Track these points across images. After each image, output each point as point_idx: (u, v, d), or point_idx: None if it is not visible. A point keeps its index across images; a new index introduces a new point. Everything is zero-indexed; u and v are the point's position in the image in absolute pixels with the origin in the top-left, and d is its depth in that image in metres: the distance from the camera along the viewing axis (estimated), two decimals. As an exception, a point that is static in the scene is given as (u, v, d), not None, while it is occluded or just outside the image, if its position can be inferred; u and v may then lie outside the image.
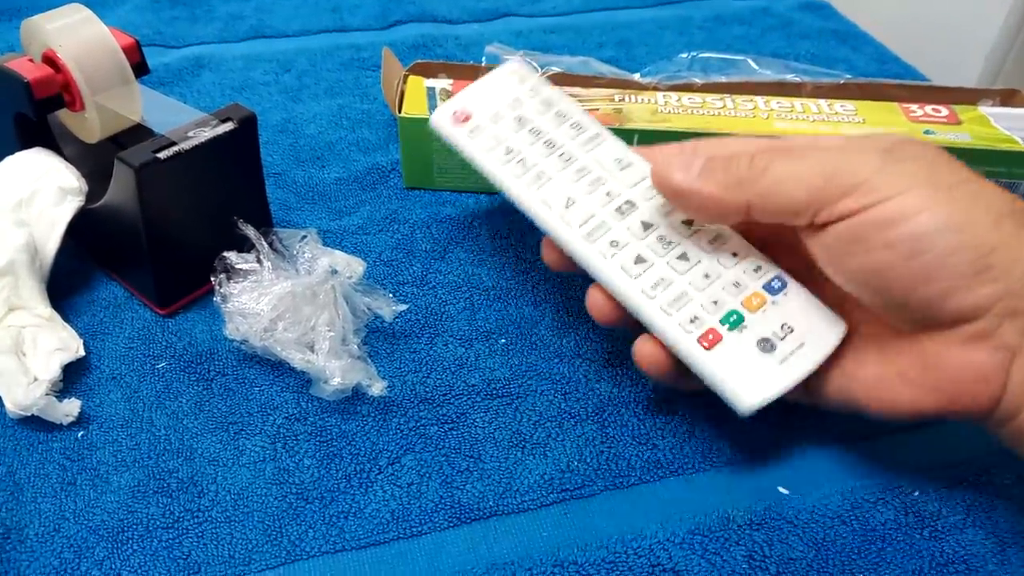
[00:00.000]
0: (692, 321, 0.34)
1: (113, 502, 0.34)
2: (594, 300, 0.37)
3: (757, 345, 0.34)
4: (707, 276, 0.36)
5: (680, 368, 0.35)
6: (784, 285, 0.35)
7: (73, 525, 0.33)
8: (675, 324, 0.35)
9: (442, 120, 0.41)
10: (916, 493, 0.35)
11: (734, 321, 0.34)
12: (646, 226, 0.37)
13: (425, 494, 0.35)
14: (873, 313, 0.33)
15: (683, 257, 0.36)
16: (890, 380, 0.32)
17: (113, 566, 0.32)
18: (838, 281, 0.33)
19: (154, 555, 0.32)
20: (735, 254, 0.36)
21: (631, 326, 0.37)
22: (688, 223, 0.37)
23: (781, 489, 0.36)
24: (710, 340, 0.34)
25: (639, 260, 0.36)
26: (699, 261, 0.36)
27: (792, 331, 0.34)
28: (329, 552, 0.33)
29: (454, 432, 0.37)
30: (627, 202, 0.38)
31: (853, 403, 0.34)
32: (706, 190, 0.34)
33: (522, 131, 0.40)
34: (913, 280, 0.30)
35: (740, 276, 0.36)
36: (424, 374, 0.40)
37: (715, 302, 0.35)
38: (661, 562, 0.33)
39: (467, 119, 0.41)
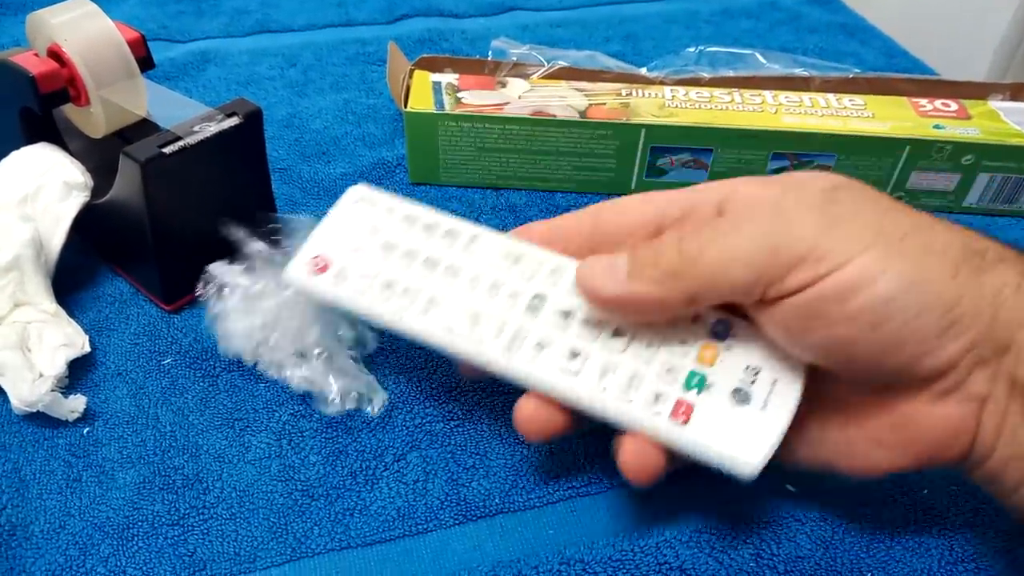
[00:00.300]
0: (656, 400, 0.31)
1: (118, 499, 0.34)
2: (526, 412, 0.32)
3: (732, 399, 0.31)
4: (648, 345, 0.32)
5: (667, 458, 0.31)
6: (727, 326, 0.33)
7: (78, 522, 0.33)
8: (640, 410, 0.31)
9: (298, 276, 0.35)
10: (925, 491, 0.35)
11: (698, 383, 0.31)
12: (565, 315, 0.33)
13: (431, 491, 0.35)
14: (832, 378, 0.31)
15: (617, 334, 0.33)
16: (862, 444, 0.31)
17: (118, 563, 0.32)
18: (795, 354, 0.31)
19: (159, 552, 0.32)
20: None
21: (572, 429, 0.33)
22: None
23: (789, 487, 0.35)
24: (684, 413, 0.31)
25: (573, 355, 0.32)
26: (636, 335, 0.33)
27: (759, 371, 0.31)
28: (335, 549, 0.33)
29: (459, 429, 0.37)
30: (534, 297, 0.34)
31: (826, 467, 0.32)
32: (642, 292, 0.30)
33: (392, 258, 0.35)
34: (880, 349, 0.28)
35: (682, 334, 0.32)
36: (429, 371, 0.40)
37: (668, 370, 0.32)
38: (668, 560, 0.33)
39: (326, 267, 0.35)
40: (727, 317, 0.33)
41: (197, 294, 0.38)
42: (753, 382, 0.31)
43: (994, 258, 0.29)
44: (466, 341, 0.33)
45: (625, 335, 0.33)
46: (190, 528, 0.33)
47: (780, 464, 0.31)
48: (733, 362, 0.32)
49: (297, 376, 0.37)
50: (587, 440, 0.37)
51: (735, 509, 0.34)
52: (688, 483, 0.35)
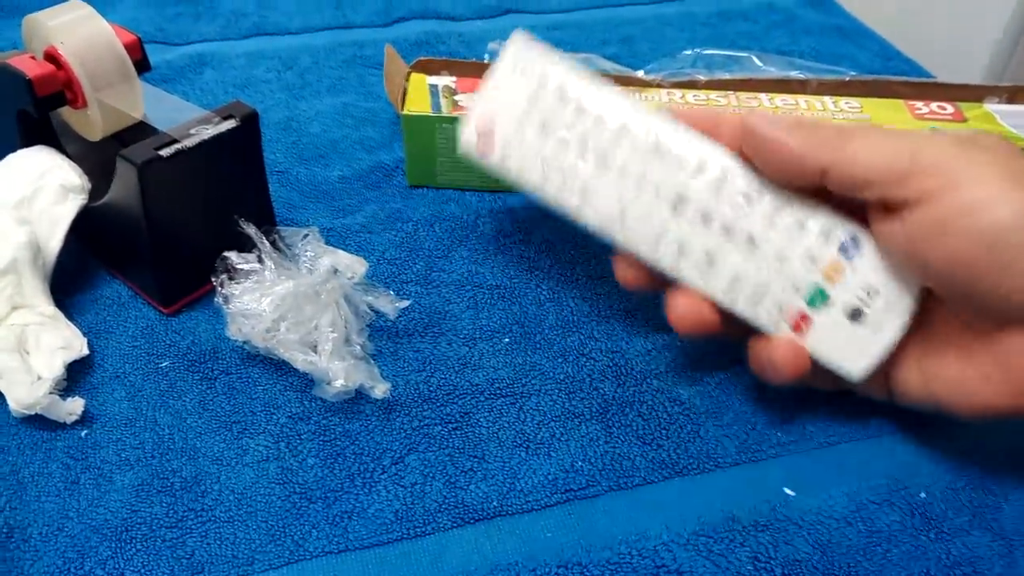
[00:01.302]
0: (779, 311, 0.35)
1: (116, 501, 0.34)
2: (679, 310, 0.36)
3: (848, 318, 0.35)
4: (779, 258, 0.35)
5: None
6: (857, 243, 0.35)
7: (76, 524, 0.33)
8: (763, 317, 0.35)
9: (470, 151, 0.39)
10: (923, 495, 0.35)
11: (819, 299, 0.35)
12: (705, 218, 0.36)
13: (429, 494, 0.35)
14: (951, 310, 0.34)
15: (750, 242, 0.35)
16: (972, 382, 0.33)
17: (116, 566, 0.32)
18: (916, 273, 0.34)
19: (157, 555, 0.32)
20: (800, 223, 0.35)
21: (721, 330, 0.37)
22: (747, 198, 0.35)
23: (787, 490, 0.35)
24: (801, 326, 0.35)
25: (710, 260, 0.36)
26: (768, 241, 0.35)
27: (877, 292, 0.34)
28: (333, 552, 0.33)
29: (458, 432, 0.37)
30: (677, 196, 0.36)
31: (935, 402, 0.34)
32: (791, 143, 0.34)
33: (549, 141, 0.38)
34: (995, 271, 0.30)
35: (813, 247, 0.35)
36: (428, 373, 0.40)
37: (795, 286, 0.35)
38: (666, 563, 0.33)
39: (490, 147, 0.39)
40: (856, 233, 0.35)
41: (212, 280, 0.39)
42: (870, 305, 0.34)
43: None
44: (617, 232, 0.37)
45: (758, 244, 0.35)
46: (188, 530, 0.33)
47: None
48: (854, 282, 0.35)
49: (301, 359, 0.37)
50: (584, 442, 0.37)
51: (733, 512, 0.34)
52: (688, 485, 0.36)
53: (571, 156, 0.37)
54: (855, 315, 0.34)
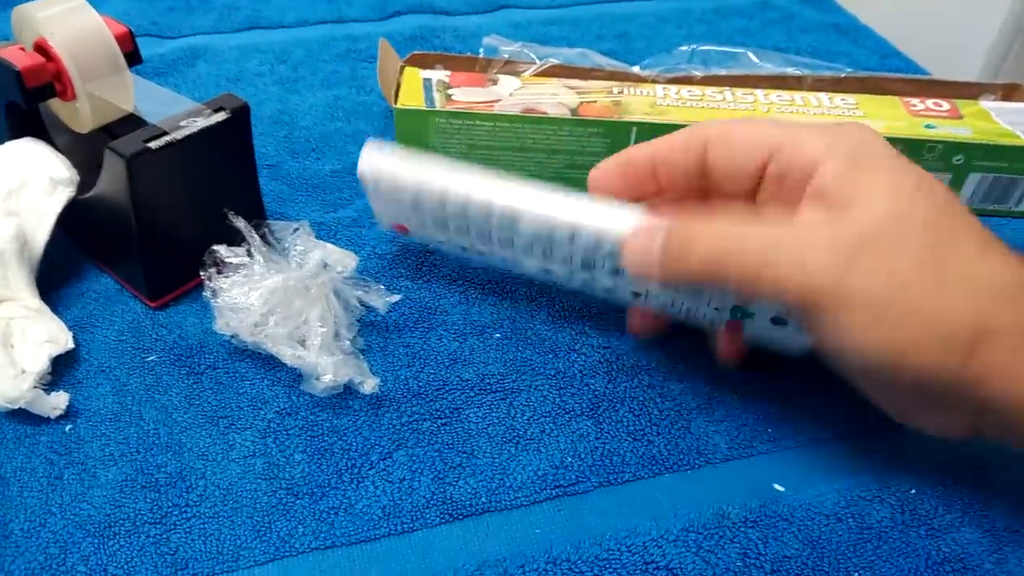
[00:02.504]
0: (712, 323, 0.38)
1: (100, 497, 0.34)
2: (632, 322, 0.40)
3: (772, 323, 0.36)
4: (699, 298, 0.37)
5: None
6: None
7: (59, 520, 0.33)
8: (704, 324, 0.38)
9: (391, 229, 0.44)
10: (912, 491, 0.35)
11: (743, 314, 0.36)
12: (615, 272, 0.37)
13: (417, 490, 0.35)
14: None
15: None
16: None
17: (99, 562, 0.32)
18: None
19: (141, 551, 0.32)
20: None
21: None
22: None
23: (776, 486, 0.35)
24: (734, 328, 0.37)
25: (636, 295, 0.39)
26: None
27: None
28: (319, 548, 0.33)
29: (447, 427, 0.37)
30: (584, 261, 0.38)
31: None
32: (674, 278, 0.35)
33: (450, 233, 0.40)
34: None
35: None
36: (417, 368, 0.40)
37: (718, 308, 0.37)
38: (655, 559, 0.32)
39: (406, 231, 0.43)
40: None
41: (200, 274, 0.38)
42: (788, 312, 0.35)
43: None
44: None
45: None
46: (172, 526, 0.33)
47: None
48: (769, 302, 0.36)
49: (290, 353, 0.37)
50: (574, 438, 0.37)
51: (723, 508, 0.34)
52: (678, 481, 0.35)
53: (475, 241, 0.40)
54: (778, 321, 0.36)
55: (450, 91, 0.51)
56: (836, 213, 0.31)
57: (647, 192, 0.38)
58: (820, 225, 0.31)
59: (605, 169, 0.38)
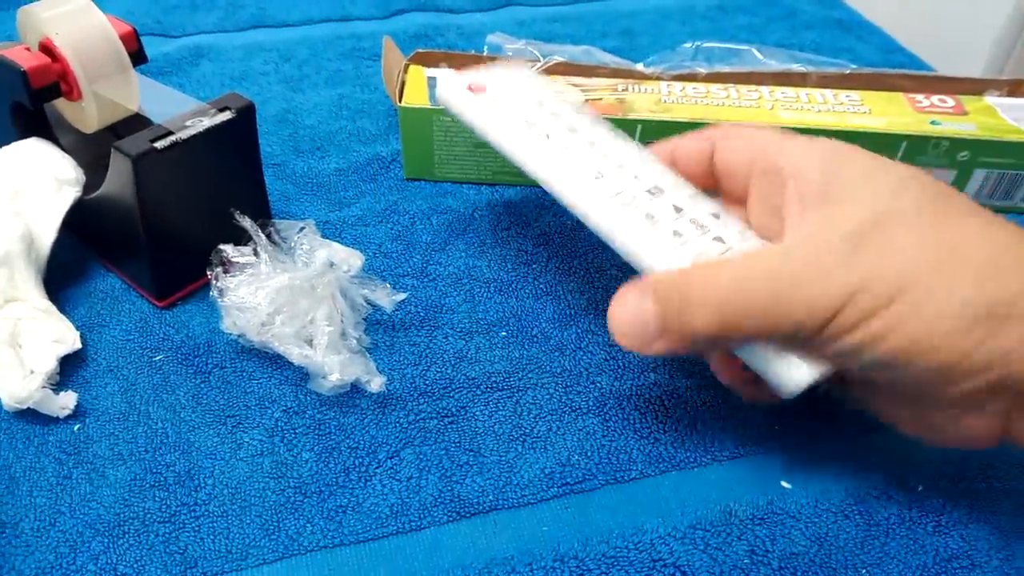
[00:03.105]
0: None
1: (109, 496, 0.34)
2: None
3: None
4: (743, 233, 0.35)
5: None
6: None
7: (69, 519, 0.33)
8: None
9: (454, 90, 0.40)
10: (920, 488, 0.35)
11: None
12: (677, 209, 0.35)
13: (424, 488, 0.35)
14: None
15: (718, 240, 0.34)
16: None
17: (109, 560, 0.32)
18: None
19: (150, 549, 0.32)
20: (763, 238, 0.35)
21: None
22: (715, 216, 0.35)
23: (783, 483, 0.35)
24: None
25: (676, 234, 0.34)
26: (734, 243, 0.34)
27: None
28: (327, 547, 0.33)
29: (454, 426, 0.37)
30: (655, 187, 0.36)
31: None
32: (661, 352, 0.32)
33: (543, 111, 0.39)
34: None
35: None
36: (424, 367, 0.40)
37: None
38: (662, 557, 0.32)
39: (482, 89, 0.40)
40: None
41: (207, 273, 0.38)
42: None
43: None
44: (586, 189, 0.36)
45: (726, 243, 0.34)
46: (181, 525, 0.33)
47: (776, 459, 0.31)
48: None
49: (297, 352, 0.37)
50: (581, 436, 0.37)
51: (730, 505, 0.34)
52: (685, 479, 0.35)
53: (560, 127, 0.38)
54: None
55: (455, 89, 0.51)
56: (826, 211, 0.30)
57: None
58: (815, 235, 0.30)
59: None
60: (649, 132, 0.49)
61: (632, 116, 0.49)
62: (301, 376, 0.38)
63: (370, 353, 0.39)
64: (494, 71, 0.42)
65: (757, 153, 0.35)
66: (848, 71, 0.54)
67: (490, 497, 0.34)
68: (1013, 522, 0.34)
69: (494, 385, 0.39)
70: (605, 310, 0.42)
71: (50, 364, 0.37)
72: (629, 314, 0.32)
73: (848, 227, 0.29)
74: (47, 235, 0.41)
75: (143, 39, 0.43)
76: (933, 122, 0.49)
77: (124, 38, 0.42)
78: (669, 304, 0.31)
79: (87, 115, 0.42)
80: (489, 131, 0.39)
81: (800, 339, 0.30)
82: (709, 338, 0.30)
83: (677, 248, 0.34)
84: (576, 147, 0.38)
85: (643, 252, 0.34)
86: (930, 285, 0.28)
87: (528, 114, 0.39)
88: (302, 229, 0.40)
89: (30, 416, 0.37)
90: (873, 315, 0.28)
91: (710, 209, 0.36)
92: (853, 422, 0.38)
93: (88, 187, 0.42)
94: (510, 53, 0.56)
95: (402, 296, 0.41)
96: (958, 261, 0.28)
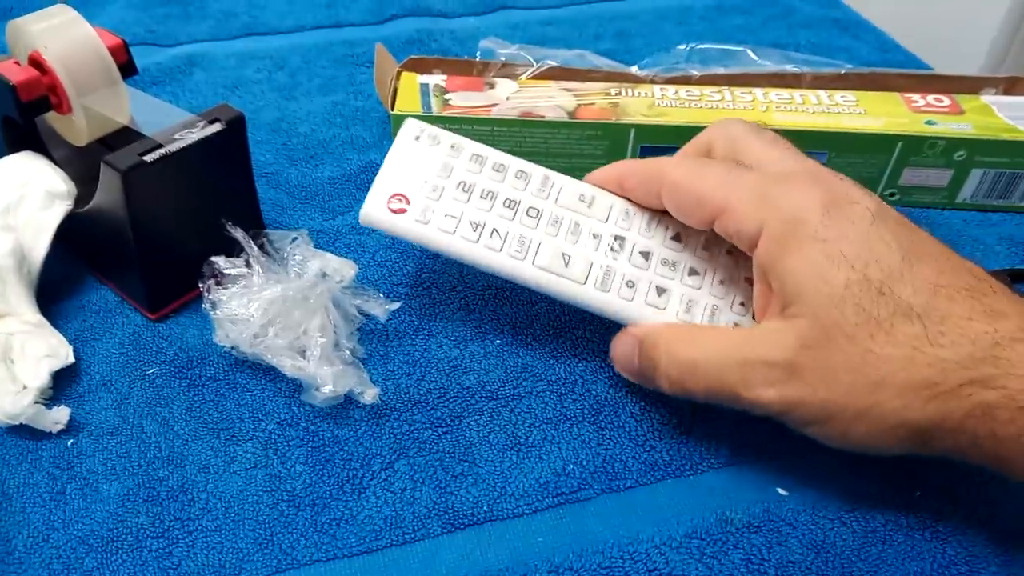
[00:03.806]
0: (735, 327, 0.37)
1: (103, 511, 0.34)
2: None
3: None
4: (722, 282, 0.37)
5: None
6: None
7: (62, 535, 0.33)
8: None
9: (378, 215, 0.38)
10: (917, 494, 0.35)
11: None
12: (645, 255, 0.37)
13: (418, 500, 0.35)
14: None
15: (693, 272, 0.37)
16: None
17: (102, 577, 0.32)
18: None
19: (144, 565, 0.32)
20: (729, 251, 0.38)
21: None
22: (676, 239, 0.38)
23: (780, 490, 0.35)
24: None
25: (661, 291, 0.37)
26: (706, 270, 0.37)
27: None
28: (321, 560, 0.33)
29: (448, 436, 0.37)
30: (614, 238, 0.38)
31: None
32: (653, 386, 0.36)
33: (473, 198, 0.38)
34: None
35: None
36: (418, 376, 0.39)
37: (742, 303, 0.37)
38: (658, 566, 0.32)
39: (404, 207, 0.38)
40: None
41: (199, 285, 0.38)
42: None
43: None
44: (563, 282, 0.37)
45: (700, 273, 0.37)
46: (175, 540, 0.33)
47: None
48: None
49: (290, 364, 0.37)
50: (576, 444, 0.37)
51: (726, 514, 0.34)
52: (681, 487, 0.35)
53: (498, 210, 0.38)
54: None
55: (447, 96, 0.51)
56: (778, 306, 0.33)
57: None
58: (773, 331, 0.32)
59: (595, 179, 0.40)
60: (642, 136, 0.49)
61: (625, 120, 0.49)
62: (294, 388, 0.38)
63: (364, 363, 0.39)
64: (398, 160, 0.39)
65: (713, 214, 0.35)
66: (843, 71, 0.54)
67: (485, 508, 0.34)
68: (1011, 527, 0.34)
69: (489, 394, 0.39)
70: (599, 319, 0.42)
71: (43, 379, 0.37)
72: (625, 359, 0.36)
73: (792, 342, 0.31)
74: (39, 249, 0.41)
75: (135, 48, 0.43)
76: (929, 122, 0.49)
77: (113, 50, 0.41)
78: (648, 364, 0.35)
79: (77, 128, 0.42)
80: (430, 246, 0.38)
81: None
82: (672, 392, 0.35)
83: (657, 314, 0.37)
84: (523, 229, 0.38)
85: (630, 320, 0.37)
86: (858, 412, 0.31)
87: (464, 211, 0.38)
88: (295, 239, 0.40)
89: (23, 432, 0.36)
90: (805, 427, 0.32)
91: (671, 234, 0.38)
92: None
93: (81, 199, 0.42)
94: (503, 58, 0.55)
95: (396, 305, 0.40)
96: (880, 387, 0.30)
